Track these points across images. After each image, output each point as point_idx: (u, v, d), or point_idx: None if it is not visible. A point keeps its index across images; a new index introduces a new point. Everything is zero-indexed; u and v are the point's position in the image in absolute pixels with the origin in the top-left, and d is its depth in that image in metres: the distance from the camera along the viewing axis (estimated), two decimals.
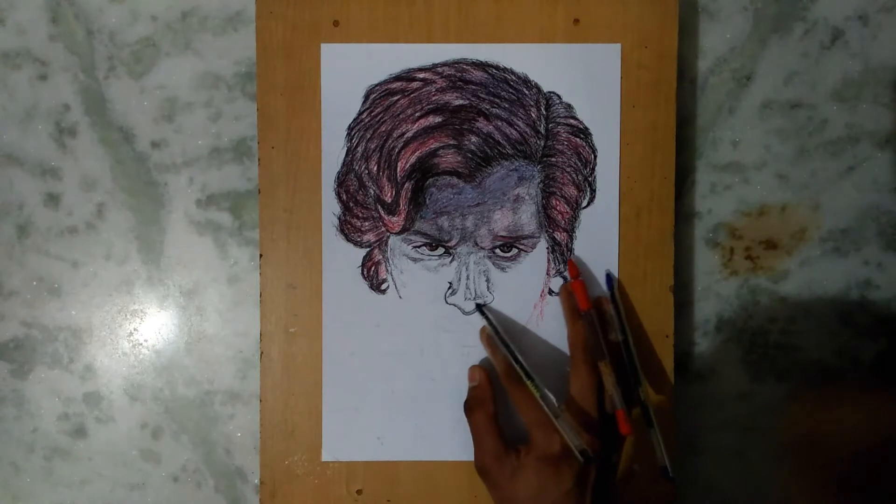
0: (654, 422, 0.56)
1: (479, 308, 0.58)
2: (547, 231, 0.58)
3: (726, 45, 0.61)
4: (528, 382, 0.54)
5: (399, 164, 0.57)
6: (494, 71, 0.58)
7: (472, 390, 0.58)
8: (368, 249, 0.58)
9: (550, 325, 0.59)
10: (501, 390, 0.57)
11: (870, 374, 0.61)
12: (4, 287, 0.61)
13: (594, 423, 0.54)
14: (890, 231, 0.61)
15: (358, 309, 0.59)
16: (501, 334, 0.56)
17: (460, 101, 0.57)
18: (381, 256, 0.58)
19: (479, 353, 0.59)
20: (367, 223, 0.58)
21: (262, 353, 0.58)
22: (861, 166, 0.61)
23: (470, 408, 0.57)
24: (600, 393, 0.55)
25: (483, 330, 0.58)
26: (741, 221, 0.61)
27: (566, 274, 0.59)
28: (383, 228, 0.58)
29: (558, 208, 0.58)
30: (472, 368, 0.58)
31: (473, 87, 0.58)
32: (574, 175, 0.58)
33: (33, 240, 0.61)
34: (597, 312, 0.57)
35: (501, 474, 0.54)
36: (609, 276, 0.58)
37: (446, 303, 0.59)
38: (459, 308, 0.59)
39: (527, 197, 0.58)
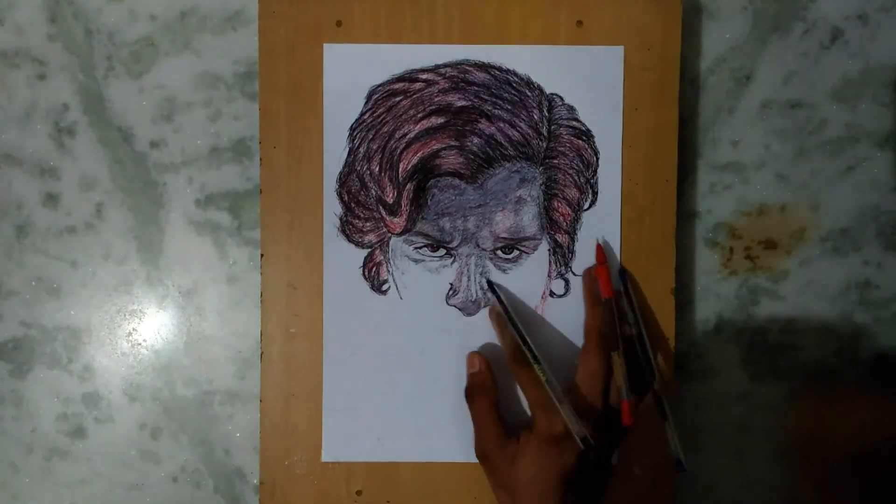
0: (668, 415, 0.55)
1: (491, 286, 0.58)
2: (548, 233, 0.58)
3: (726, 45, 0.60)
4: (536, 366, 0.54)
5: (401, 164, 0.57)
6: (497, 72, 0.57)
7: (472, 377, 0.58)
8: (370, 250, 0.58)
9: (551, 327, 0.59)
10: (503, 376, 0.57)
11: (870, 374, 0.61)
12: (3, 287, 0.61)
13: (597, 412, 0.54)
14: (890, 231, 0.61)
15: (359, 309, 0.59)
16: (511, 315, 0.56)
17: (463, 103, 0.57)
18: (382, 257, 0.58)
19: None
20: (368, 224, 0.58)
21: (262, 353, 0.58)
22: (861, 166, 0.61)
23: (472, 394, 0.57)
24: (607, 383, 0.55)
25: (493, 309, 0.58)
26: (741, 221, 0.61)
27: (567, 276, 0.59)
28: (385, 229, 0.58)
29: (560, 210, 0.58)
30: (471, 355, 0.58)
31: (476, 88, 0.57)
32: (576, 177, 0.58)
33: (32, 240, 0.61)
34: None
35: (502, 459, 0.54)
36: (622, 271, 0.58)
37: (447, 304, 0.59)
38: (460, 309, 0.59)
39: (528, 199, 0.58)
